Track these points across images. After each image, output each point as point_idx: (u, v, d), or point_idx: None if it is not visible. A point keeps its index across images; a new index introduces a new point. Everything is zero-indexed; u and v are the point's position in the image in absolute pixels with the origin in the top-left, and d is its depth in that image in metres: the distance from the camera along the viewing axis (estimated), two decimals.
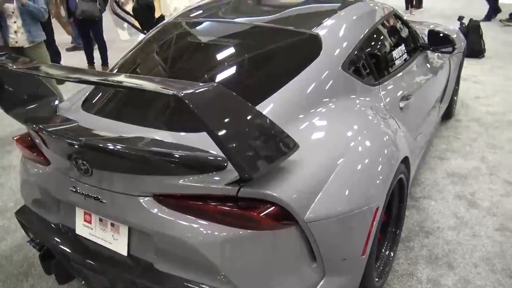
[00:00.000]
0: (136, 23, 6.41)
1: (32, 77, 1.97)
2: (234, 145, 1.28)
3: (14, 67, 1.63)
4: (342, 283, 1.73)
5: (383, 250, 2.23)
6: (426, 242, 2.54)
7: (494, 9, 8.73)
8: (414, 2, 10.24)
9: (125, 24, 7.02)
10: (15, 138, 2.02)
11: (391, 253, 2.27)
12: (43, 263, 2.02)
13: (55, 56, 6.09)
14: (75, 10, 5.90)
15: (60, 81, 5.62)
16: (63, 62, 6.39)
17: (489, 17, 8.70)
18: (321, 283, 1.65)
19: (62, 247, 1.83)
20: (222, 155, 1.34)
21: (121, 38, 7.92)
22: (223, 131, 1.27)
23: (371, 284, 1.97)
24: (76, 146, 1.53)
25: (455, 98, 4.24)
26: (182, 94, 1.22)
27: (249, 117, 1.37)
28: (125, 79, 1.44)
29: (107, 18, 6.65)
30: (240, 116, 1.36)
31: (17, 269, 2.46)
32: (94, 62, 6.56)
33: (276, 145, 1.42)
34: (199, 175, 1.49)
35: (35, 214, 2.02)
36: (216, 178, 1.47)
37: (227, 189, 1.46)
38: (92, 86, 2.16)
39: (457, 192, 3.04)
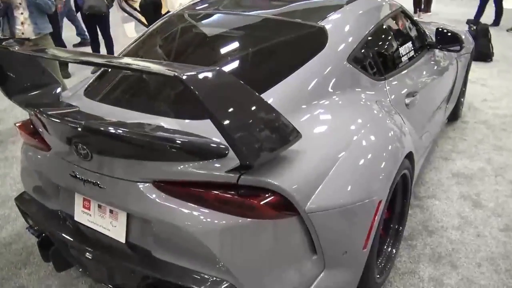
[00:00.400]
0: (144, 20, 6.42)
1: (36, 64, 1.96)
2: (235, 130, 1.26)
3: (17, 48, 1.62)
4: (342, 276, 1.70)
5: (385, 247, 2.20)
6: (429, 241, 2.51)
7: (496, 13, 8.67)
8: (422, 6, 10.20)
9: (133, 21, 7.03)
10: (17, 124, 2.02)
11: (393, 250, 2.24)
12: (41, 250, 2.00)
13: None
14: (82, 5, 5.90)
15: (66, 75, 5.65)
16: None
17: (497, 22, 8.63)
18: (321, 275, 1.63)
19: (60, 233, 1.81)
20: (224, 142, 1.33)
21: (128, 35, 7.93)
22: (224, 115, 1.25)
23: (372, 280, 1.94)
24: (75, 129, 1.51)
25: (462, 99, 4.19)
26: (183, 76, 1.21)
27: (251, 103, 1.35)
28: (128, 61, 1.43)
29: (114, 14, 6.65)
30: (242, 101, 1.34)
31: (15, 257, 2.45)
32: None
33: (279, 133, 1.40)
34: (199, 162, 1.47)
35: (35, 200, 2.01)
36: (217, 165, 1.45)
37: (228, 177, 1.44)
38: (95, 76, 2.15)
39: (462, 192, 3.00)
